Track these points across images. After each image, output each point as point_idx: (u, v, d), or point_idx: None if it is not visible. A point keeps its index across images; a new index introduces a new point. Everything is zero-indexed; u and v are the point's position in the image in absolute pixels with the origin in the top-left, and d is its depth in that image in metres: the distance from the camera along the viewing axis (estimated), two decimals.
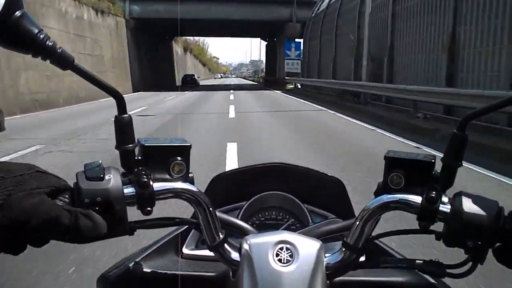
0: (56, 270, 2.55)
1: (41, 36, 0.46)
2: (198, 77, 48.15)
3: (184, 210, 2.61)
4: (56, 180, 0.49)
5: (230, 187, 0.96)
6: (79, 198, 0.48)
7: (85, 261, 2.63)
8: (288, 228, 0.86)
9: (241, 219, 0.78)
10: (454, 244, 0.52)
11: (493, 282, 2.38)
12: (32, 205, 0.45)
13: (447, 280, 0.60)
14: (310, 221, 0.87)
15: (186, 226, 0.83)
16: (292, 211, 0.90)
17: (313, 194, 0.94)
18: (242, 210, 0.89)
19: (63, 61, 0.49)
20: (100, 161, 0.51)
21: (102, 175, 0.50)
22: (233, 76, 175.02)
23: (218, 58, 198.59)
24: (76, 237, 0.47)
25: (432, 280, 0.70)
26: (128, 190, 0.51)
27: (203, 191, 0.57)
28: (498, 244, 0.51)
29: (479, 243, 0.50)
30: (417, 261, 0.57)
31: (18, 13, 0.45)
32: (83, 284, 2.38)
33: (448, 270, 0.55)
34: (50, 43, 0.47)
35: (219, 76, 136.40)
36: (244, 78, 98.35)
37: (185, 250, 0.82)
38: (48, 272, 2.53)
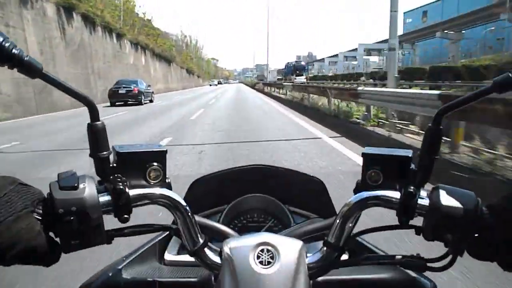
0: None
1: (7, 45, 0.45)
2: (149, 87, 24.45)
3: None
4: (37, 192, 0.49)
5: (211, 191, 0.95)
6: (53, 208, 0.47)
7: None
8: (270, 230, 0.86)
9: (223, 223, 0.78)
10: (433, 238, 0.52)
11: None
12: (19, 233, 0.45)
13: (429, 273, 0.60)
14: (292, 221, 0.87)
15: (167, 233, 0.82)
16: (273, 213, 0.90)
17: (294, 194, 0.95)
18: (223, 213, 0.88)
19: (32, 70, 0.47)
20: (74, 170, 0.50)
21: (76, 184, 0.49)
22: (236, 81, 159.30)
23: (216, 60, 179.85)
24: (50, 262, 0.49)
25: (414, 275, 0.70)
26: (104, 198, 0.51)
27: (183, 196, 0.57)
28: (475, 236, 0.52)
29: (458, 235, 0.51)
30: (398, 257, 0.57)
31: None
32: None
33: (428, 264, 0.56)
34: (16, 51, 0.46)
35: (215, 83, 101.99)
36: (253, 86, 69.88)
37: (167, 256, 0.81)
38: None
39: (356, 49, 67.03)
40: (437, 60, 42.99)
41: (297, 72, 68.65)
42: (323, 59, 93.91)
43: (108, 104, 21.38)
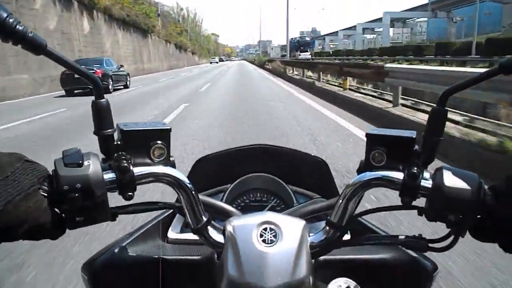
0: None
1: (11, 20, 0.44)
2: (121, 68, 18.67)
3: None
4: (42, 169, 0.49)
5: (214, 170, 0.96)
6: (58, 185, 0.48)
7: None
8: (272, 209, 0.87)
9: (226, 202, 0.78)
10: (436, 219, 0.53)
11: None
12: (27, 211, 0.45)
13: (430, 254, 0.61)
14: (294, 201, 0.88)
15: (170, 211, 0.83)
16: (276, 192, 0.90)
17: (297, 174, 0.95)
18: (227, 192, 0.89)
19: (35, 46, 0.47)
20: (79, 147, 0.51)
21: (81, 161, 0.49)
22: (238, 58, 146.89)
23: (217, 36, 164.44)
24: (56, 236, 0.50)
25: (415, 255, 0.71)
26: (108, 176, 0.51)
27: (187, 174, 0.57)
28: (478, 216, 0.52)
29: (460, 217, 0.51)
30: (399, 237, 0.58)
31: None
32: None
33: (430, 245, 0.56)
34: (20, 27, 0.45)
35: (216, 60, 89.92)
36: (252, 62, 64.68)
37: (170, 235, 0.82)
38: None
39: (378, 19, 61.63)
40: (483, 31, 35.90)
41: (302, 48, 66.59)
42: (337, 32, 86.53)
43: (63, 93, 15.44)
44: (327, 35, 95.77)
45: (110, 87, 16.03)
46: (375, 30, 67.06)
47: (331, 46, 79.52)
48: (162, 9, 60.18)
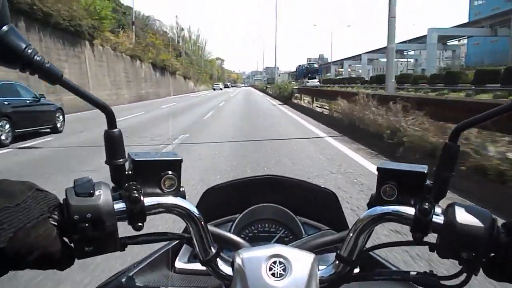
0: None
1: (29, 51, 0.46)
2: (43, 99, 10.32)
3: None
4: (53, 198, 0.49)
5: (223, 200, 0.96)
6: (68, 215, 0.48)
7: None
8: (281, 240, 0.86)
9: (234, 232, 0.78)
10: (448, 256, 0.52)
11: None
12: (37, 239, 0.45)
13: None
14: (303, 233, 0.87)
15: (178, 241, 0.82)
16: (285, 223, 0.90)
17: (306, 206, 0.94)
18: (235, 222, 0.88)
19: (51, 76, 0.48)
20: (90, 177, 0.51)
21: (92, 191, 0.49)
22: (243, 85, 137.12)
23: (222, 60, 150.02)
24: (64, 267, 0.50)
25: None
26: (119, 206, 0.51)
27: (195, 204, 0.57)
28: (492, 255, 0.51)
29: (473, 254, 0.50)
30: (411, 273, 0.57)
31: (5, 28, 0.45)
32: None
33: (442, 282, 0.55)
34: (38, 58, 0.47)
35: (220, 87, 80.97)
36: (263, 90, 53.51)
37: (177, 265, 0.82)
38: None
39: (380, 49, 59.27)
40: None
41: (309, 75, 64.81)
42: (341, 61, 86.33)
43: None
44: (339, 60, 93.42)
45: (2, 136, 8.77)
46: (406, 53, 63.62)
47: (349, 71, 78.86)
48: (156, 26, 55.42)
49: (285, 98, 24.73)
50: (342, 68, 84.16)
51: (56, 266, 0.49)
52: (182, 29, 79.46)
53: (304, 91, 22.87)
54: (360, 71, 76.20)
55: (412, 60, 69.69)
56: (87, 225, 0.47)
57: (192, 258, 0.82)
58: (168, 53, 49.32)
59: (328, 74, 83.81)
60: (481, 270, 0.52)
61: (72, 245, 0.49)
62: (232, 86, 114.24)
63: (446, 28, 48.10)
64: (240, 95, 38.18)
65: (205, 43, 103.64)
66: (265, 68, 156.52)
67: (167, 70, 46.19)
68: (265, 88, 52.58)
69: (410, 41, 57.94)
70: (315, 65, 73.07)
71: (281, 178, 0.95)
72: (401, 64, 71.41)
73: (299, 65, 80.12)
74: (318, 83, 55.67)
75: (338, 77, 66.92)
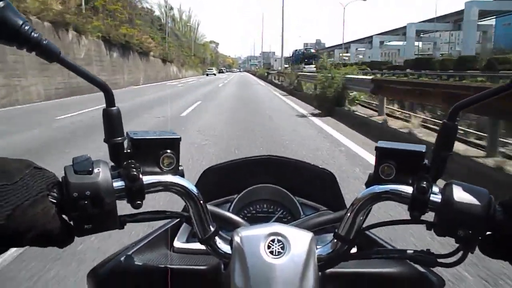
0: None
1: (26, 28, 0.46)
2: None
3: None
4: (51, 175, 0.49)
5: (221, 180, 0.96)
6: (67, 192, 0.48)
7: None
8: (279, 220, 0.87)
9: (232, 212, 0.78)
10: (445, 234, 0.52)
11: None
12: (35, 217, 0.45)
13: (438, 269, 0.61)
14: (301, 213, 0.88)
15: (177, 220, 0.82)
16: (283, 204, 0.90)
17: (304, 186, 0.95)
18: (233, 203, 0.89)
19: (49, 53, 0.48)
20: (88, 155, 0.51)
21: (90, 169, 0.49)
22: (238, 70, 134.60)
23: (217, 44, 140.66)
24: (64, 244, 0.50)
25: (423, 270, 0.70)
26: (118, 184, 0.51)
27: (194, 184, 0.57)
28: (488, 233, 0.51)
29: (470, 232, 0.51)
30: (408, 251, 0.57)
31: (1, 4, 0.45)
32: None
33: (439, 260, 0.56)
34: (35, 35, 0.46)
35: (214, 72, 73.69)
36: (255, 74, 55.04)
37: (176, 244, 0.82)
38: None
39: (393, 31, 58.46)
40: None
41: (306, 60, 60.27)
42: (347, 44, 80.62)
43: None
44: (334, 47, 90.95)
45: None
46: (386, 43, 64.65)
47: (345, 58, 76.02)
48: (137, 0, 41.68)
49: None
50: (347, 52, 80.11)
51: (55, 243, 0.49)
52: (171, 8, 72.61)
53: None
54: (369, 56, 73.05)
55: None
56: (86, 202, 0.47)
57: (191, 237, 0.83)
58: (153, 34, 41.09)
59: (331, 59, 79.46)
60: (477, 249, 0.53)
61: (71, 222, 0.49)
62: (227, 71, 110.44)
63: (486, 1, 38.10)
64: (230, 88, 25.81)
65: (197, 25, 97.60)
66: (261, 53, 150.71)
67: (133, 50, 33.80)
68: (266, 74, 38.57)
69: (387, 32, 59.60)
70: (312, 50, 67.85)
71: (280, 159, 0.96)
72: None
73: (295, 50, 76.08)
74: (315, 68, 53.89)
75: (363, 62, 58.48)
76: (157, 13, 61.71)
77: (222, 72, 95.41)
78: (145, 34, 38.86)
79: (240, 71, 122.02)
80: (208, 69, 78.81)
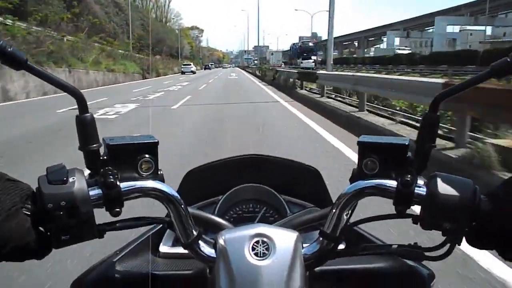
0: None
1: None
2: None
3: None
4: (25, 187, 0.49)
5: (205, 182, 0.95)
6: (42, 204, 0.47)
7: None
8: (265, 220, 0.86)
9: (218, 214, 0.77)
10: (431, 227, 0.52)
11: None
12: (9, 231, 0.44)
13: (426, 262, 0.60)
14: (287, 211, 0.87)
15: (160, 225, 0.81)
16: (269, 203, 0.89)
17: (290, 184, 0.94)
18: (218, 204, 0.88)
19: (15, 61, 0.47)
20: (63, 163, 0.50)
21: (65, 178, 0.48)
22: (230, 66, 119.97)
23: (200, 31, 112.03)
24: (41, 256, 0.49)
25: (412, 263, 0.70)
26: (94, 192, 0.50)
27: (177, 187, 0.56)
28: (473, 224, 0.51)
29: (456, 224, 0.50)
30: (395, 246, 0.57)
31: None
32: None
33: (426, 253, 0.55)
34: None
35: (192, 69, 53.29)
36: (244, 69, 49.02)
37: (162, 249, 0.81)
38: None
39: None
40: None
41: (304, 55, 56.15)
42: (354, 35, 76.90)
43: None
44: (346, 36, 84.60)
45: None
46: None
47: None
48: None
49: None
50: (357, 46, 75.70)
51: (33, 256, 0.48)
52: None
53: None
54: (423, 44, 66.90)
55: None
56: (61, 213, 0.46)
57: (176, 242, 0.82)
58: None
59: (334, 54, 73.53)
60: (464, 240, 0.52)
61: (48, 234, 0.48)
62: (217, 67, 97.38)
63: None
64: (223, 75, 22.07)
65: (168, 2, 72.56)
66: (254, 47, 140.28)
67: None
68: (273, 78, 23.06)
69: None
70: (310, 44, 62.62)
71: (263, 157, 0.95)
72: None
73: (293, 44, 71.38)
74: (313, 64, 48.34)
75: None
76: None
77: (209, 69, 78.70)
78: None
79: (232, 67, 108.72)
80: (183, 65, 55.31)
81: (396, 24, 67.01)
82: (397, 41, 69.41)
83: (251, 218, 0.87)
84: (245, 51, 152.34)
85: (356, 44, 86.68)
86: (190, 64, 55.90)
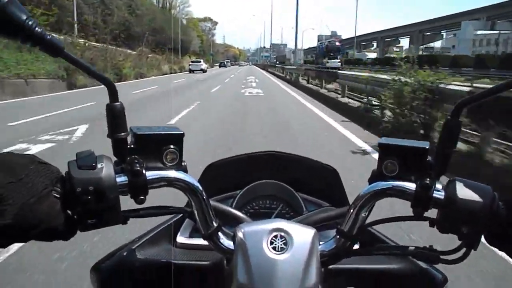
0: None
1: (30, 23, 0.45)
2: None
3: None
4: (55, 170, 0.50)
5: (224, 176, 0.96)
6: (71, 187, 0.48)
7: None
8: (282, 216, 0.87)
9: (235, 208, 0.78)
10: (448, 231, 0.52)
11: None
12: (41, 213, 0.46)
13: (441, 265, 0.60)
14: (304, 209, 0.87)
15: (180, 215, 0.83)
16: (286, 200, 0.90)
17: (307, 182, 0.95)
18: (236, 199, 0.89)
19: (53, 49, 0.48)
20: (92, 150, 0.51)
21: (94, 164, 0.49)
22: (247, 64, 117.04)
23: (214, 23, 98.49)
24: (67, 237, 0.50)
25: (426, 266, 0.70)
26: (121, 179, 0.51)
27: (197, 179, 0.57)
28: (491, 229, 0.51)
29: (473, 229, 0.50)
30: (410, 248, 0.57)
31: None
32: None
33: (441, 256, 0.55)
34: (39, 30, 0.46)
35: (202, 67, 44.52)
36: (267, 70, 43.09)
37: (179, 239, 0.82)
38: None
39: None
40: None
41: (330, 54, 50.46)
42: (394, 31, 65.76)
43: None
44: (361, 36, 79.70)
45: None
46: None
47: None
48: None
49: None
50: (399, 45, 68.16)
51: (60, 237, 0.50)
52: None
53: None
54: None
55: None
56: (89, 197, 0.48)
57: (194, 232, 0.83)
58: None
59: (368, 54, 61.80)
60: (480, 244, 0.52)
61: (75, 217, 0.50)
62: (233, 65, 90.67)
63: None
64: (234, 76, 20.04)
65: None
66: (271, 45, 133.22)
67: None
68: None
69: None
70: (337, 43, 55.19)
71: (282, 154, 0.95)
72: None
73: (320, 43, 67.29)
74: (339, 64, 43.97)
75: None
76: None
77: (224, 67, 71.17)
78: None
79: (249, 65, 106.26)
80: (192, 61, 48.61)
81: (474, 13, 50.88)
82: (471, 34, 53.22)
83: (267, 214, 0.88)
84: (263, 47, 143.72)
85: (408, 39, 73.63)
86: (200, 61, 48.32)
